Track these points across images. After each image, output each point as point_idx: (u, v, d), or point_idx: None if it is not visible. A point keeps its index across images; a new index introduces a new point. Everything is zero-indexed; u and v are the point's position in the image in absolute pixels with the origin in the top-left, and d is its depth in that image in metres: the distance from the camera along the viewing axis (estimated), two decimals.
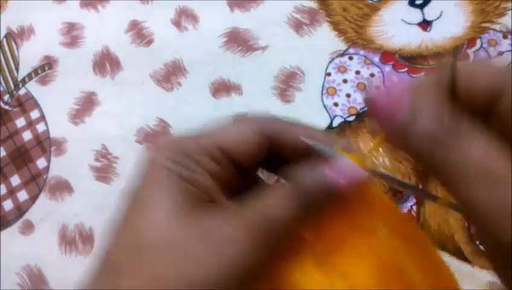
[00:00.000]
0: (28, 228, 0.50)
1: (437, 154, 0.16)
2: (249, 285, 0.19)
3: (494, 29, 0.48)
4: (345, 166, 0.20)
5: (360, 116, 0.47)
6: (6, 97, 0.55)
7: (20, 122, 0.54)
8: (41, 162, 0.52)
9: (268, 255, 0.19)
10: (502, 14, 0.49)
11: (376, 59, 0.49)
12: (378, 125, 0.18)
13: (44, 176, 0.51)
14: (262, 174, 0.25)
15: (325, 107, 0.48)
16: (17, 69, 0.56)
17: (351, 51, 0.50)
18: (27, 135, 0.53)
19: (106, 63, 0.54)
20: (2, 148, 0.53)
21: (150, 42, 0.54)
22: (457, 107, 0.17)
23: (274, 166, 0.23)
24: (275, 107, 0.48)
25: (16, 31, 0.58)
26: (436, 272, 0.21)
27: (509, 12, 0.48)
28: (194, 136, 0.21)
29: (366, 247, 0.20)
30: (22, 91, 0.55)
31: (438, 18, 0.49)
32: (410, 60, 0.48)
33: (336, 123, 0.47)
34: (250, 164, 0.22)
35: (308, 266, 0.20)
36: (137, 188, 0.20)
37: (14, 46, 0.57)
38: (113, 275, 0.18)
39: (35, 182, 0.51)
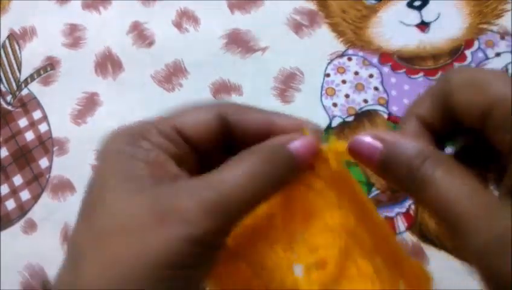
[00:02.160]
0: (31, 227, 0.50)
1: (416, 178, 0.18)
2: (209, 257, 0.19)
3: (491, 31, 0.49)
4: (304, 138, 0.21)
5: (359, 116, 0.48)
6: (8, 98, 0.56)
7: (23, 122, 0.54)
8: (43, 162, 0.52)
9: (223, 230, 0.19)
10: (499, 16, 0.49)
11: (375, 60, 0.50)
12: (364, 165, 0.20)
13: (47, 176, 0.52)
14: None
15: (324, 107, 0.49)
16: (19, 70, 0.57)
17: (350, 52, 0.50)
18: (29, 135, 0.53)
19: (108, 64, 0.55)
20: (4, 148, 0.53)
21: (151, 43, 0.55)
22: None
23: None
24: (275, 108, 0.48)
25: (18, 32, 0.58)
26: (388, 246, 0.22)
27: (507, 13, 0.49)
28: (152, 120, 0.22)
29: (332, 221, 0.21)
30: (24, 92, 0.56)
31: (435, 19, 0.50)
32: (408, 61, 0.49)
33: (335, 123, 0.48)
34: (209, 147, 0.22)
35: (281, 244, 0.21)
36: (94, 179, 0.20)
37: (17, 47, 0.58)
38: (76, 260, 0.19)
39: (38, 182, 0.52)
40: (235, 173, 0.19)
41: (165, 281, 0.18)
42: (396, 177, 0.19)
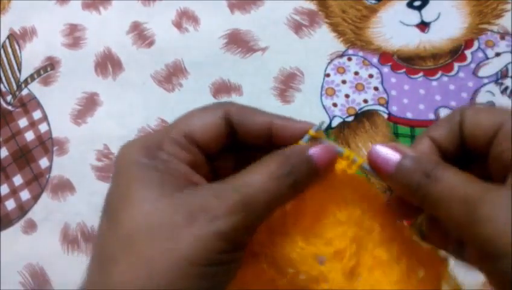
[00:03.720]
0: (31, 227, 0.50)
1: (422, 186, 0.20)
2: (235, 256, 0.20)
3: (491, 31, 0.49)
4: (324, 145, 0.22)
5: (359, 116, 0.48)
6: (9, 98, 0.56)
7: (23, 122, 0.54)
8: (43, 162, 0.52)
9: (248, 228, 0.20)
10: (499, 16, 0.49)
11: (375, 60, 0.50)
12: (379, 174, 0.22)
13: (47, 176, 0.52)
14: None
15: (324, 107, 0.49)
16: (19, 70, 0.57)
17: (350, 52, 0.50)
18: (29, 135, 0.53)
19: (108, 64, 0.55)
20: (4, 148, 0.53)
21: (151, 43, 0.55)
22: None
23: (245, 155, 0.24)
24: (275, 108, 0.49)
25: (18, 32, 0.58)
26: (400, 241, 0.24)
27: (507, 13, 0.49)
28: (163, 129, 0.23)
29: (340, 215, 0.22)
30: (24, 92, 0.56)
31: (435, 19, 0.50)
32: (408, 61, 0.49)
33: (335, 123, 0.48)
34: (217, 148, 0.23)
35: (298, 240, 0.22)
36: (117, 187, 0.21)
37: (17, 47, 0.58)
38: (106, 265, 0.19)
39: (38, 182, 0.52)
40: (259, 177, 0.20)
41: (195, 279, 0.18)
42: (409, 182, 0.21)
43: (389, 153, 0.22)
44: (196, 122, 0.23)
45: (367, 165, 0.23)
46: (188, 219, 0.19)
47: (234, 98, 0.51)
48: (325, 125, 0.23)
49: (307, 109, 0.49)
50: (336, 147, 0.22)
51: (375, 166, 0.22)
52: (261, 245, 0.22)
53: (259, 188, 0.20)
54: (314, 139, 0.23)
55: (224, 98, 0.51)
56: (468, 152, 0.23)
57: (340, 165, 0.23)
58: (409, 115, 0.47)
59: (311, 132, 0.22)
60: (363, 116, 0.47)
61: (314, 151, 0.21)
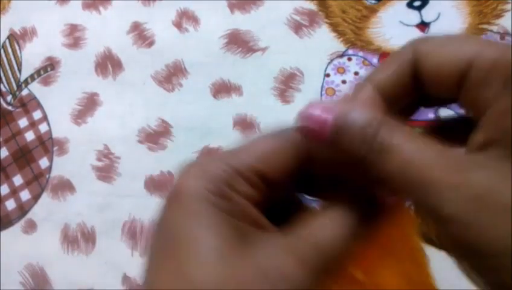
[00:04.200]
0: (31, 227, 0.50)
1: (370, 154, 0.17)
2: None
3: (491, 31, 0.49)
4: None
5: None
6: (9, 98, 0.56)
7: (23, 122, 0.54)
8: (43, 162, 0.52)
9: (323, 283, 0.17)
10: (499, 16, 0.49)
11: (375, 60, 0.50)
12: (311, 138, 0.18)
13: (47, 176, 0.52)
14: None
15: None
16: (19, 70, 0.57)
17: (350, 52, 0.50)
18: (30, 135, 0.53)
19: (108, 64, 0.55)
20: (4, 148, 0.53)
21: (151, 43, 0.55)
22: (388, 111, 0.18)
23: (311, 185, 0.21)
24: (275, 108, 0.49)
25: (18, 32, 0.58)
26: None
27: (507, 13, 0.49)
28: (226, 158, 0.19)
29: (405, 280, 0.20)
30: (24, 92, 0.56)
31: (435, 20, 0.50)
32: None
33: None
34: (286, 182, 0.20)
35: (358, 276, 0.19)
36: (182, 225, 0.18)
37: (17, 47, 0.58)
38: None
39: (38, 182, 0.52)
40: (329, 227, 0.18)
41: None
42: (349, 152, 0.17)
43: (319, 115, 0.17)
44: (265, 153, 0.19)
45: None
46: (259, 277, 0.16)
47: (234, 98, 0.51)
48: None
49: None
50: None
51: (308, 135, 0.18)
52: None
53: (330, 239, 0.17)
54: None
55: (224, 98, 0.51)
56: (424, 97, 0.19)
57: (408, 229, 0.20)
58: None
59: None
60: None
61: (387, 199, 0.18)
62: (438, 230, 0.16)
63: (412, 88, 0.19)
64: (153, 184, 0.49)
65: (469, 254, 0.15)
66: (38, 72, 0.56)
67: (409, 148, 0.16)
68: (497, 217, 0.14)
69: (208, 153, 0.50)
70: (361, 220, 0.18)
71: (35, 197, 0.51)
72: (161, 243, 0.18)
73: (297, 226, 0.18)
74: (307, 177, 0.20)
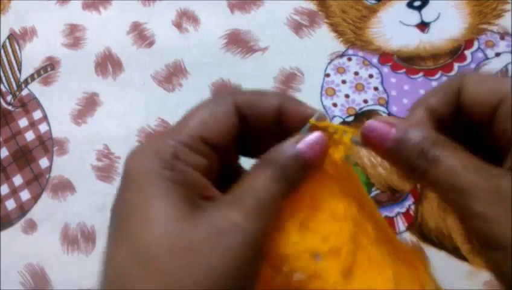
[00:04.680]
0: (31, 227, 0.50)
1: (423, 166, 0.20)
2: (258, 264, 0.19)
3: (491, 31, 0.49)
4: (310, 138, 0.21)
5: (358, 116, 0.48)
6: (9, 98, 0.56)
7: (23, 122, 0.54)
8: (43, 162, 0.52)
9: (265, 234, 0.20)
10: (499, 16, 0.49)
11: (374, 60, 0.50)
12: (374, 147, 0.22)
13: (47, 176, 0.52)
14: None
15: (324, 107, 0.49)
16: (19, 70, 0.57)
17: (350, 52, 0.50)
18: (30, 135, 0.53)
19: (108, 64, 0.55)
20: (4, 148, 0.53)
21: (151, 44, 0.55)
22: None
23: (250, 147, 0.24)
24: None
25: (18, 32, 0.58)
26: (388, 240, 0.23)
27: (507, 13, 0.49)
28: (170, 132, 0.21)
29: (337, 210, 0.22)
30: (24, 92, 0.56)
31: (435, 20, 0.50)
32: (408, 61, 0.49)
33: (335, 123, 0.48)
34: (230, 145, 0.22)
35: (294, 235, 0.21)
36: (130, 200, 0.20)
37: (17, 48, 0.58)
38: (122, 284, 0.18)
39: (38, 182, 0.52)
40: (262, 181, 0.20)
41: None
42: (406, 161, 0.21)
43: (382, 129, 0.21)
44: (208, 121, 0.21)
45: (358, 138, 0.22)
46: (213, 234, 0.18)
47: None
48: (317, 116, 0.22)
49: None
50: (322, 140, 0.22)
51: (370, 143, 0.21)
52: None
53: (265, 191, 0.20)
54: (315, 127, 0.22)
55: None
56: (465, 122, 0.22)
57: (339, 153, 0.22)
58: None
59: (312, 120, 0.22)
60: (363, 116, 0.47)
61: (302, 145, 0.21)
62: (466, 225, 0.19)
63: (455, 113, 0.22)
64: None
65: (487, 246, 0.18)
66: (38, 72, 0.56)
67: (454, 160, 0.20)
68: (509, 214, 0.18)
69: (147, 135, 0.51)
70: (284, 176, 0.20)
71: (35, 197, 0.51)
72: (115, 221, 0.19)
73: (238, 184, 0.20)
74: (246, 141, 0.23)
